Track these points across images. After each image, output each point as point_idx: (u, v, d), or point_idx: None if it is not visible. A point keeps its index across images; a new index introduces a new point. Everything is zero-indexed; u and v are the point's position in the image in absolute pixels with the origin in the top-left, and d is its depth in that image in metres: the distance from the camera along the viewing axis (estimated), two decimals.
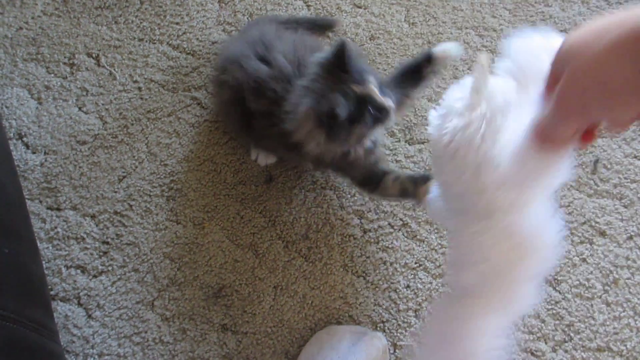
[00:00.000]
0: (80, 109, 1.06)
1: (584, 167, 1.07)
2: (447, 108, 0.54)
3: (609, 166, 1.07)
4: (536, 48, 0.54)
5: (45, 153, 1.03)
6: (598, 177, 1.06)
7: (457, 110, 0.53)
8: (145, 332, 0.95)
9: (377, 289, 0.98)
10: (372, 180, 0.92)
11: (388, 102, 0.80)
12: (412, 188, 0.88)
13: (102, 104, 1.07)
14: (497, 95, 0.52)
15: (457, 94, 0.54)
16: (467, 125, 0.52)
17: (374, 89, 0.79)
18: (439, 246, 1.01)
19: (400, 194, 0.91)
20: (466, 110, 0.52)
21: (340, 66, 0.79)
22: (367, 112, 0.79)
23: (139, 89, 1.08)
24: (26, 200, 0.99)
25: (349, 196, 1.03)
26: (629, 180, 1.05)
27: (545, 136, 0.47)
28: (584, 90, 0.40)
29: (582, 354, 0.95)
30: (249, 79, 0.88)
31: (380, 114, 0.80)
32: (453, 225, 0.62)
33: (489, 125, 0.52)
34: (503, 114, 0.52)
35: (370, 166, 0.91)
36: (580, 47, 0.40)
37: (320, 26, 1.13)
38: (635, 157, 1.07)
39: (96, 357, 0.93)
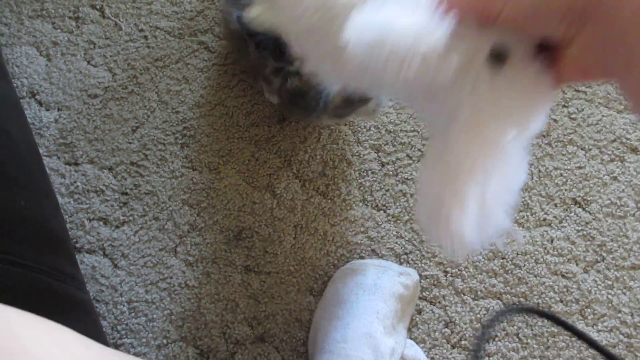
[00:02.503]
0: (89, 62, 1.06)
1: (613, 82, 1.01)
2: None
3: None
4: None
5: (58, 109, 1.03)
6: None
7: None
8: (171, 277, 0.96)
9: (398, 221, 0.96)
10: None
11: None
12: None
13: (110, 56, 1.06)
14: None
15: None
16: None
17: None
18: None
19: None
20: None
21: None
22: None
23: (145, 37, 1.07)
24: (44, 157, 1.00)
25: (365, 130, 1.00)
26: None
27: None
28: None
29: (615, 272, 0.91)
30: None
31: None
32: None
33: None
34: None
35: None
36: None
37: None
38: None
39: (125, 304, 0.95)
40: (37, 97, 1.03)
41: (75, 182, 1.00)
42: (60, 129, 1.02)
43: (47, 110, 1.03)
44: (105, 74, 1.05)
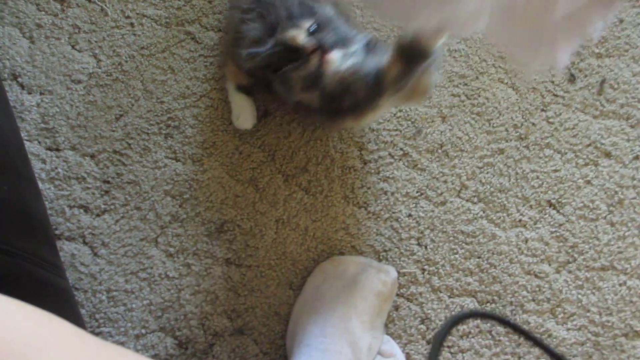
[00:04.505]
0: (73, 47, 1.04)
1: (589, 87, 1.04)
2: None
3: (615, 86, 1.04)
4: None
5: (40, 93, 1.02)
6: (604, 97, 1.04)
7: None
8: (151, 268, 0.96)
9: (378, 219, 0.98)
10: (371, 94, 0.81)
11: (310, 42, 0.78)
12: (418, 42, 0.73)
13: (95, 42, 1.05)
14: None
15: None
16: None
17: (293, 32, 0.78)
18: (441, 174, 1.00)
19: (404, 71, 0.76)
20: None
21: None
22: (283, 57, 0.79)
23: (132, 24, 1.06)
24: (25, 142, 0.99)
25: (348, 128, 1.02)
26: (636, 99, 1.03)
27: None
28: None
29: (586, 273, 0.95)
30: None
31: (294, 56, 0.79)
32: None
33: None
34: None
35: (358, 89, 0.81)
36: None
37: None
38: None
39: (104, 293, 0.94)
40: (19, 79, 1.02)
41: (56, 168, 0.99)
42: (42, 114, 1.01)
43: (29, 93, 1.02)
44: (90, 59, 1.04)
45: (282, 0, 0.83)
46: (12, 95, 1.01)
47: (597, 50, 1.07)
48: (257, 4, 0.87)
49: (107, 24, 1.06)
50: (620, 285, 0.94)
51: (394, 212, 0.98)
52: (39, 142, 1.00)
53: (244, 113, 0.99)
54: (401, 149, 1.01)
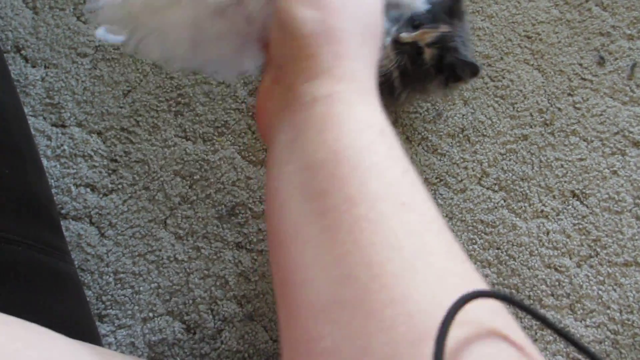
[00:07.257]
0: (78, 18, 0.99)
1: (619, 72, 0.99)
2: None
3: None
4: None
5: (45, 67, 0.97)
6: (635, 82, 0.99)
7: None
8: (159, 250, 0.93)
9: None
10: None
11: None
12: None
13: None
14: None
15: None
16: None
17: None
18: (461, 160, 0.96)
19: None
20: None
21: None
22: None
23: None
24: (30, 117, 0.95)
25: None
26: None
27: None
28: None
29: (608, 269, 0.92)
30: None
31: None
32: None
33: None
34: None
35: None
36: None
37: None
38: None
39: (111, 275, 0.92)
40: (23, 52, 0.98)
41: (62, 145, 0.95)
42: (47, 88, 0.97)
43: (34, 67, 0.98)
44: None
45: None
46: (15, 68, 0.97)
47: (628, 32, 1.02)
48: None
49: None
50: None
51: None
52: (44, 118, 0.96)
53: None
54: (420, 133, 0.97)
